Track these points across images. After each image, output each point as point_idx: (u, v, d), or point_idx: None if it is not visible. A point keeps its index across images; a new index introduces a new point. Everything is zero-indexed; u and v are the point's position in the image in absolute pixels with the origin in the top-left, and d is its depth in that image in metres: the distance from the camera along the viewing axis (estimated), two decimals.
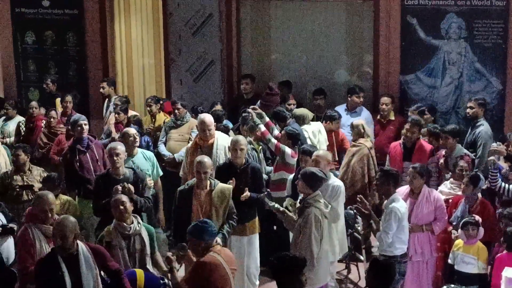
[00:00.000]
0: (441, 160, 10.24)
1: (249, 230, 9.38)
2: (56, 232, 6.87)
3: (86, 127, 10.50)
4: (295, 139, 10.33)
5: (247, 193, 9.12)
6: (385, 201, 8.66)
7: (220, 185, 8.84)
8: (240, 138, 9.49)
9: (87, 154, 10.29)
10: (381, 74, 12.63)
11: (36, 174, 9.99)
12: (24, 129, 12.30)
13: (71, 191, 10.39)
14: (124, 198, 8.04)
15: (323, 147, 10.89)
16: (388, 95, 12.03)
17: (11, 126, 12.64)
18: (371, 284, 6.60)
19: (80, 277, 6.82)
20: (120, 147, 9.24)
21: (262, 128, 10.39)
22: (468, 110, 10.82)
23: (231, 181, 9.04)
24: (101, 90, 13.52)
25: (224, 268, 7.10)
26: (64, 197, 9.25)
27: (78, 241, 6.96)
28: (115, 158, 9.10)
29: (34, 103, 12.52)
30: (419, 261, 8.97)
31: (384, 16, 12.47)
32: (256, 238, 9.51)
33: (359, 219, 9.90)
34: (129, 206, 8.00)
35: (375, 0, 12.52)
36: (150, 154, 10.42)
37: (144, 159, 10.12)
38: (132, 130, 10.29)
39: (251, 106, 10.62)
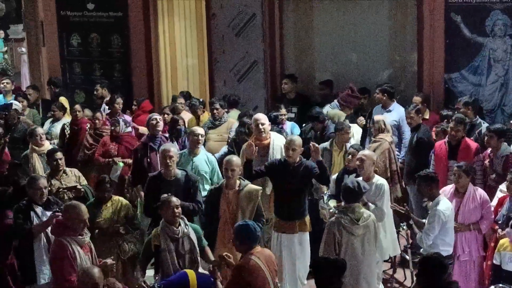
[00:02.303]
0: (486, 161, 10.11)
1: (299, 227, 9.31)
2: (86, 282, 6.78)
3: (160, 123, 10.67)
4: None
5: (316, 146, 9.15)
6: (429, 203, 8.62)
7: (249, 186, 8.85)
8: (295, 138, 9.48)
9: (158, 153, 10.37)
10: (425, 72, 12.53)
11: (71, 175, 9.94)
12: (69, 131, 12.41)
13: (135, 186, 10.54)
14: (176, 202, 8.00)
15: None
16: (420, 95, 11.91)
17: (58, 128, 12.77)
18: (423, 281, 6.59)
19: None
20: (173, 149, 9.31)
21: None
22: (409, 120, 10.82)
23: (165, 195, 8.58)
24: (95, 92, 13.90)
25: (263, 270, 7.09)
26: (116, 198, 9.24)
27: None
28: (167, 160, 9.17)
29: (77, 106, 12.61)
30: (467, 260, 8.87)
31: (428, 14, 12.37)
32: (306, 237, 9.45)
33: None
34: (180, 211, 7.99)
35: None
36: (212, 158, 10.40)
37: (204, 162, 10.14)
38: (199, 130, 10.35)
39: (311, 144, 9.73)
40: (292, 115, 12.50)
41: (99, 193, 9.13)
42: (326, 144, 10.63)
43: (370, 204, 8.84)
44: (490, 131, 10.09)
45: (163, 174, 9.23)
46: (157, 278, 7.81)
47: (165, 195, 8.51)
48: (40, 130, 11.27)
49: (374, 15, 13.09)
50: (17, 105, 13.21)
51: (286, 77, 13.10)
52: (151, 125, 10.73)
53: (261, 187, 9.02)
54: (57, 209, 8.31)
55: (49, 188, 9.46)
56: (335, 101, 11.89)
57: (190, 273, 7.36)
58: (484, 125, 10.79)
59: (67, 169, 10.03)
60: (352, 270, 7.71)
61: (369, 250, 7.99)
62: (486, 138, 10.14)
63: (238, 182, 8.85)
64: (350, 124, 11.11)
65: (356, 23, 13.21)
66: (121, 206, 9.14)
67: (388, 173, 10.45)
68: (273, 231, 9.30)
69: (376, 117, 10.85)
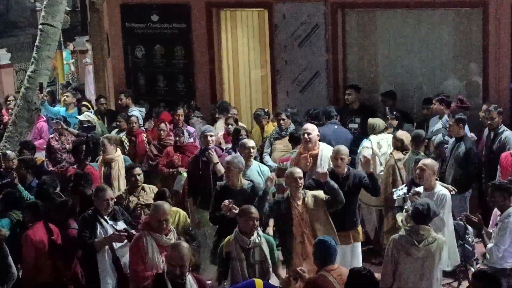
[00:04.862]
0: None
1: (353, 238, 9.34)
2: (174, 259, 6.71)
3: (211, 138, 10.75)
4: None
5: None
6: (499, 215, 8.47)
7: (310, 192, 8.86)
8: (342, 147, 9.48)
9: (210, 165, 10.49)
10: (490, 81, 12.37)
11: (150, 192, 9.97)
12: (128, 143, 12.55)
13: (189, 198, 10.73)
14: (257, 214, 7.98)
15: (382, 159, 10.85)
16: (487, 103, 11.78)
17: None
18: None
19: None
20: (236, 161, 9.37)
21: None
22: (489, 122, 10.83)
23: (226, 201, 8.74)
24: (119, 101, 14.04)
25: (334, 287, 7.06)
26: (175, 209, 9.31)
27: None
28: (228, 171, 9.32)
29: (133, 118, 12.74)
30: None
31: (493, 22, 12.21)
32: (359, 247, 9.47)
33: (470, 230, 9.73)
34: (258, 224, 7.98)
35: (485, 6, 12.27)
36: (266, 169, 10.48)
37: (257, 173, 10.21)
38: (250, 143, 10.41)
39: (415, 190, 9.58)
40: (356, 126, 12.46)
41: None
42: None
43: None
44: None
45: (229, 184, 9.30)
46: (225, 284, 7.83)
47: (227, 201, 8.58)
48: (106, 140, 11.38)
49: (439, 24, 12.97)
50: (89, 116, 13.44)
51: (350, 88, 13.05)
52: (203, 142, 10.87)
53: (321, 190, 8.96)
54: (123, 229, 8.45)
55: (126, 205, 9.69)
56: (445, 115, 11.60)
57: (258, 282, 7.35)
58: (506, 133, 10.81)
59: (146, 186, 10.09)
60: None
61: (429, 274, 7.77)
62: None
63: (301, 193, 8.85)
64: (385, 135, 11.08)
65: (420, 32, 13.10)
66: (179, 218, 9.24)
67: (389, 189, 10.32)
68: None
69: (398, 134, 10.74)
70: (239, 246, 7.88)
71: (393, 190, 9.42)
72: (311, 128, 10.19)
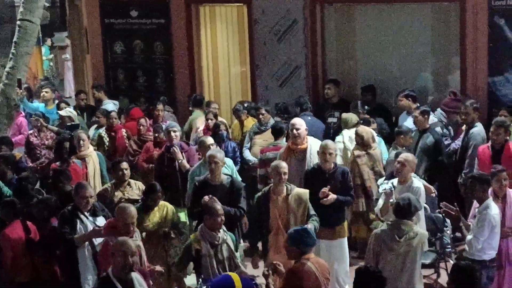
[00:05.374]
0: None
1: (338, 234, 9.38)
2: (125, 250, 6.76)
3: (175, 134, 10.75)
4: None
5: (332, 196, 9.13)
6: (478, 207, 8.55)
7: (297, 190, 8.87)
8: (330, 142, 9.53)
9: (176, 162, 10.54)
10: (468, 76, 12.44)
11: (135, 188, 9.98)
12: (108, 139, 12.53)
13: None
14: (221, 210, 8.00)
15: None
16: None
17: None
18: None
19: None
20: (219, 155, 9.39)
21: None
22: (464, 117, 10.93)
23: (206, 197, 8.75)
24: (93, 96, 14.24)
25: (316, 276, 7.08)
26: (162, 203, 9.31)
27: None
28: (213, 166, 9.27)
29: (113, 114, 12.73)
30: None
31: (470, 17, 12.27)
32: (345, 242, 9.53)
33: (448, 222, 9.82)
34: (223, 219, 8.01)
35: (462, 1, 12.35)
36: (230, 162, 10.55)
37: (224, 168, 10.21)
38: (209, 140, 10.44)
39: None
40: (335, 120, 12.50)
41: (150, 201, 9.16)
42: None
43: None
44: None
45: (208, 179, 9.31)
46: (200, 281, 7.84)
47: (207, 197, 8.60)
48: (82, 136, 11.33)
49: (417, 19, 13.04)
50: (71, 112, 13.40)
51: (329, 82, 13.10)
52: (168, 138, 10.93)
53: (308, 190, 9.00)
54: (98, 226, 8.43)
55: (111, 199, 9.67)
56: (439, 109, 11.74)
57: (234, 276, 7.32)
58: (475, 128, 10.83)
59: (132, 181, 10.07)
60: (389, 284, 7.65)
61: (411, 268, 7.83)
62: None
63: (285, 187, 8.86)
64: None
65: (399, 27, 13.17)
66: (167, 212, 9.21)
67: None
68: None
69: (358, 130, 10.81)
70: (208, 243, 7.86)
71: (379, 183, 9.47)
72: (300, 123, 10.21)
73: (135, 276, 6.79)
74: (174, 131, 10.89)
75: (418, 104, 11.77)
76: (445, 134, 11.32)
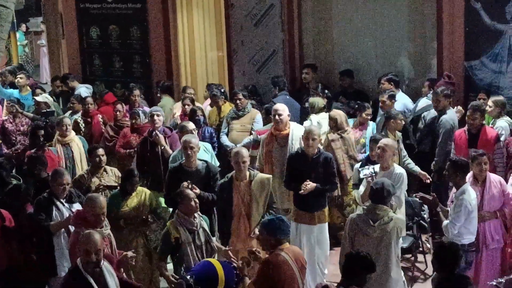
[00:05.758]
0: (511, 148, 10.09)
1: (318, 219, 9.37)
2: (89, 247, 6.63)
3: (159, 118, 10.73)
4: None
5: (311, 185, 9.12)
6: (455, 192, 8.58)
7: (260, 175, 8.82)
8: (313, 128, 9.49)
9: (158, 147, 10.49)
10: (445, 60, 12.47)
11: (112, 174, 9.90)
12: (83, 124, 12.45)
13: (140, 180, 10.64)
14: (193, 194, 7.97)
15: (323, 138, 10.71)
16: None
17: None
18: (438, 268, 6.58)
19: None
20: (195, 141, 9.34)
21: None
22: (435, 104, 10.96)
23: (185, 183, 8.79)
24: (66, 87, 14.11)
25: (291, 266, 7.05)
26: (140, 188, 9.24)
27: None
28: (189, 151, 9.20)
29: (89, 99, 12.63)
30: (496, 248, 8.84)
31: (447, 1, 12.29)
32: (325, 228, 9.50)
33: (425, 207, 9.85)
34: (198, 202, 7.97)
35: None
36: (208, 145, 10.57)
37: (203, 151, 10.20)
38: (190, 125, 10.40)
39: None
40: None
41: (129, 186, 9.09)
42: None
43: None
44: None
45: (184, 165, 9.27)
46: (182, 270, 7.74)
47: (185, 183, 8.56)
48: (67, 121, 11.29)
49: (393, 3, 13.04)
50: (47, 98, 13.29)
51: (307, 67, 13.09)
52: (151, 123, 10.86)
53: (271, 175, 8.97)
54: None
55: (88, 186, 9.59)
56: (430, 92, 11.65)
57: (214, 261, 7.31)
58: (445, 116, 10.80)
59: (108, 168, 9.99)
60: None
61: (386, 254, 7.80)
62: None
63: (248, 173, 8.82)
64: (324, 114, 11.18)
65: (375, 11, 13.16)
66: (146, 196, 9.16)
67: None
68: (292, 221, 9.29)
69: (331, 113, 10.80)
70: (186, 229, 7.78)
71: (360, 169, 9.45)
72: (282, 109, 10.17)
73: (105, 266, 6.70)
74: (158, 116, 10.83)
75: (400, 90, 11.82)
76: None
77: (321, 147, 9.89)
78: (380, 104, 11.35)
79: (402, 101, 11.83)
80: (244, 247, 7.86)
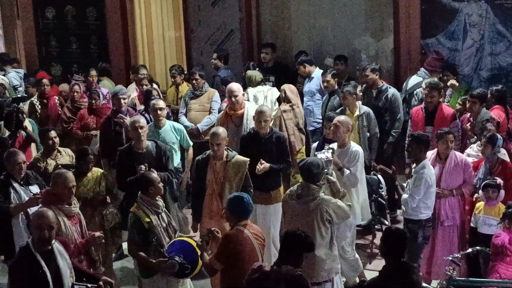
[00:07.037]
0: (468, 125, 10.21)
1: (274, 198, 9.40)
2: (41, 223, 6.50)
3: (124, 101, 10.67)
4: None
5: (265, 165, 9.13)
6: (415, 166, 8.68)
7: (236, 157, 8.81)
8: (265, 109, 9.48)
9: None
10: (401, 38, 12.53)
11: (66, 155, 9.78)
12: (39, 106, 12.32)
13: (103, 159, 10.64)
14: (157, 177, 7.90)
15: None
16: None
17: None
18: (385, 254, 6.60)
19: (57, 270, 6.52)
20: (143, 120, 9.28)
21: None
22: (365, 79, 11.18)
23: (142, 166, 8.81)
24: None
25: (251, 241, 7.08)
26: (95, 169, 9.21)
27: None
28: (139, 131, 9.12)
29: (45, 81, 12.51)
30: (451, 225, 8.96)
31: None
32: (280, 207, 9.55)
33: (383, 184, 9.93)
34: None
35: None
36: (179, 126, 10.50)
37: (171, 132, 10.18)
38: (160, 103, 10.33)
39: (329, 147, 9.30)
40: (271, 84, 12.49)
41: (84, 165, 9.03)
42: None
43: (345, 169, 8.91)
44: (473, 96, 10.21)
45: (133, 146, 9.20)
46: (165, 253, 7.64)
47: (142, 166, 8.54)
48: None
49: None
50: (3, 79, 13.11)
51: (267, 46, 13.06)
52: (116, 104, 10.75)
53: (248, 159, 8.92)
54: (37, 193, 8.28)
55: (44, 168, 9.45)
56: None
57: (187, 239, 7.56)
58: (391, 90, 11.08)
59: (61, 149, 9.85)
60: None
61: (310, 231, 7.54)
62: (468, 104, 10.27)
63: (225, 153, 8.80)
64: (262, 87, 11.26)
65: None
66: (101, 176, 9.13)
67: None
68: None
69: (283, 86, 10.85)
70: (154, 213, 7.70)
71: (316, 152, 9.49)
72: (237, 89, 10.14)
73: (56, 246, 6.60)
74: (124, 98, 10.74)
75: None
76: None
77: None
78: (325, 84, 11.40)
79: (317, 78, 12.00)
80: (217, 227, 7.84)
